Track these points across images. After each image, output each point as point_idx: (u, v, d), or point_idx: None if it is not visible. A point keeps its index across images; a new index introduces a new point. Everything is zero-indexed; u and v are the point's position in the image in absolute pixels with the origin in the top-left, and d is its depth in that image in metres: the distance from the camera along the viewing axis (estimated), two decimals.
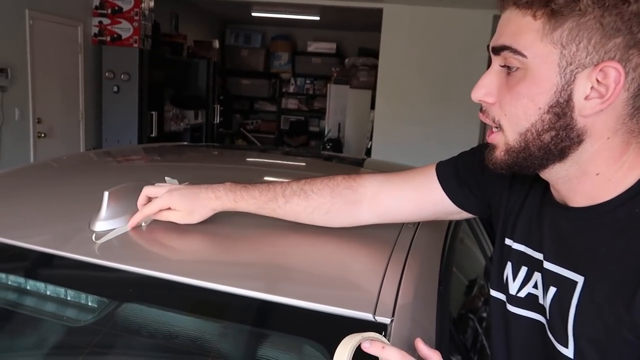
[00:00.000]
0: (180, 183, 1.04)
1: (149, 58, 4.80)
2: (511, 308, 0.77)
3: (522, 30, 0.62)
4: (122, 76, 4.68)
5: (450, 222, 1.19)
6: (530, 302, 0.74)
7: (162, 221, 0.97)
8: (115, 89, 4.70)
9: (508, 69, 0.64)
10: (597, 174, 0.65)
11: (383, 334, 0.68)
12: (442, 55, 5.26)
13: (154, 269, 0.86)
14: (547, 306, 0.70)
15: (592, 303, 0.63)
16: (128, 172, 1.60)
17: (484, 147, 0.84)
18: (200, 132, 6.02)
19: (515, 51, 0.62)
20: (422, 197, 0.90)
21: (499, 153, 0.68)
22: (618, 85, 0.59)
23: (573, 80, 0.61)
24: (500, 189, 0.82)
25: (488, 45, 0.68)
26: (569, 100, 0.62)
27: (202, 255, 0.97)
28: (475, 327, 1.30)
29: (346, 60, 6.98)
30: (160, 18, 5.49)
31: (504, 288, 0.80)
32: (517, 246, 0.78)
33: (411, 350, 0.74)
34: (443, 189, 0.88)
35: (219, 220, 1.00)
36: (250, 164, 1.92)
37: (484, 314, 1.41)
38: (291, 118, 8.42)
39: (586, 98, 0.61)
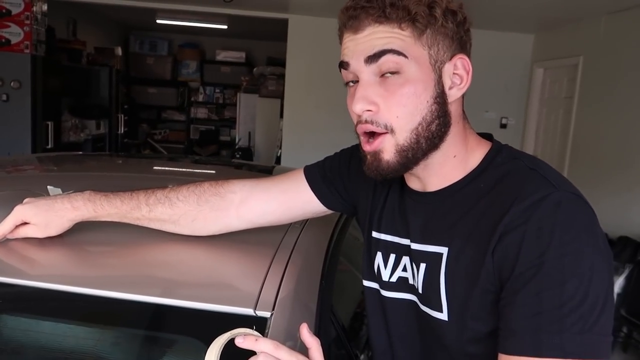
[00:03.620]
0: (65, 192, 1.02)
1: (43, 65, 4.53)
2: (385, 293, 0.85)
3: (396, 38, 0.71)
4: (12, 84, 4.38)
5: (336, 223, 1.26)
6: (402, 284, 0.83)
7: None
8: (5, 97, 4.38)
9: (383, 76, 0.72)
10: (455, 156, 0.77)
11: (254, 327, 0.72)
12: None
13: (31, 279, 0.84)
14: (420, 281, 0.78)
15: (457, 267, 0.73)
16: (12, 182, 1.53)
17: (347, 153, 0.93)
18: (103, 143, 5.76)
19: (398, 52, 0.71)
20: (291, 200, 0.96)
21: (389, 156, 0.74)
22: (469, 71, 0.75)
23: (441, 75, 0.73)
24: (366, 190, 0.91)
25: (342, 62, 0.77)
26: (442, 90, 0.74)
27: (77, 262, 0.96)
28: (362, 314, 1.38)
29: (255, 69, 7.01)
30: (56, 23, 5.20)
31: (375, 277, 0.88)
32: (384, 237, 0.86)
33: (291, 341, 0.80)
34: (312, 190, 0.95)
35: (95, 227, 1.00)
36: (148, 172, 1.89)
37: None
38: (201, 127, 8.28)
39: (450, 88, 0.74)
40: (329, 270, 1.04)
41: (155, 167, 2.04)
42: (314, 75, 5.46)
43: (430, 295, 0.76)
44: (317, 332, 0.87)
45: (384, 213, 0.87)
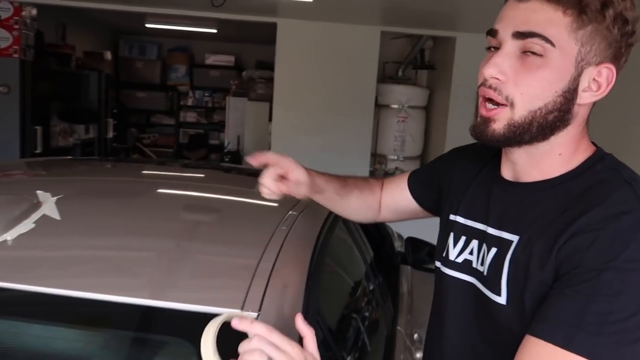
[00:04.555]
0: (52, 197, 1.04)
1: (32, 69, 4.52)
2: (448, 272, 0.90)
3: (553, 22, 0.71)
4: (0, 88, 4.36)
5: (323, 224, 1.29)
6: (465, 266, 0.87)
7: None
8: None
9: (525, 53, 0.72)
10: (560, 154, 0.78)
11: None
12: (334, 68, 5.49)
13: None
14: (486, 264, 0.81)
15: (522, 256, 0.75)
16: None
17: (455, 151, 1.03)
18: (92, 148, 5.74)
19: (546, 39, 0.71)
20: (397, 204, 1.11)
21: (499, 126, 0.76)
22: (610, 83, 0.74)
23: (581, 74, 0.73)
24: (447, 174, 0.99)
25: (492, 30, 0.76)
26: (575, 88, 0.74)
27: (61, 264, 0.98)
28: (349, 316, 1.41)
29: (243, 73, 7.03)
30: (45, 28, 5.19)
31: (442, 257, 0.92)
32: (460, 219, 0.91)
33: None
34: (411, 193, 1.08)
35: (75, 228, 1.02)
36: (137, 176, 1.91)
37: (361, 307, 1.53)
38: (190, 131, 8.26)
39: (584, 90, 0.74)
40: (315, 271, 1.07)
41: (144, 172, 2.06)
42: (303, 78, 5.49)
43: (492, 279, 0.79)
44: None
45: (465, 198, 0.91)
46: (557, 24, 0.71)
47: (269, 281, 0.93)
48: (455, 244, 0.89)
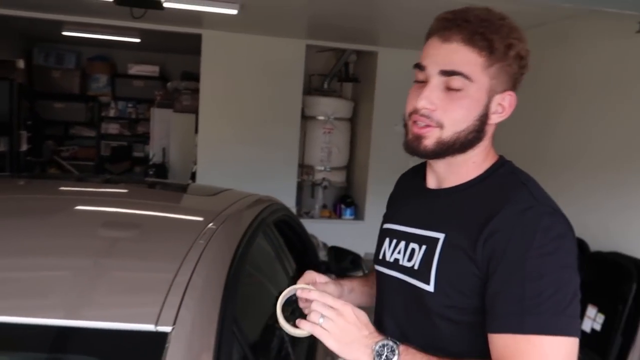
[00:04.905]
0: None
1: None
2: (385, 271, 1.05)
3: (470, 62, 0.88)
4: None
5: (243, 236, 1.32)
6: (395, 264, 1.02)
7: None
8: None
9: (448, 87, 0.89)
10: (473, 162, 0.96)
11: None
12: (261, 80, 5.53)
13: None
14: (417, 260, 0.96)
15: (449, 250, 0.91)
16: None
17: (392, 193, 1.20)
18: (3, 162, 5.40)
19: (466, 76, 0.88)
20: None
21: (429, 142, 0.92)
22: (512, 106, 0.93)
23: (491, 101, 0.91)
24: (392, 200, 1.17)
25: (420, 65, 0.92)
26: (487, 113, 0.92)
27: None
28: (272, 326, 1.45)
29: (169, 83, 6.90)
30: None
31: (380, 261, 1.08)
32: (393, 226, 1.07)
33: (194, 355, 0.86)
34: None
35: None
36: (53, 193, 1.84)
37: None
38: (112, 144, 7.96)
39: (493, 113, 0.93)
40: (232, 283, 1.10)
41: (60, 187, 1.98)
42: (229, 90, 5.49)
43: (422, 271, 0.94)
44: (218, 345, 0.93)
45: (398, 208, 1.10)
46: (473, 63, 0.88)
47: (185, 294, 0.95)
48: (389, 247, 1.05)
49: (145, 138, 7.69)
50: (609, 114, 3.37)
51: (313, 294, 0.90)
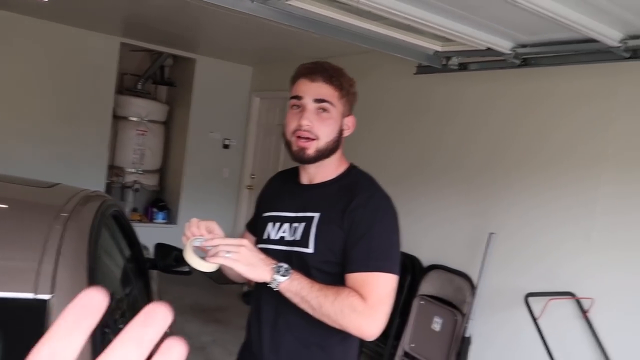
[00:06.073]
0: None
1: None
2: (270, 246, 1.33)
3: (331, 94, 1.29)
4: None
5: (93, 218, 1.37)
6: (280, 240, 1.34)
7: None
8: None
9: (319, 111, 1.29)
10: (334, 164, 1.36)
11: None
12: (68, 74, 5.15)
13: None
14: (299, 233, 1.30)
15: (324, 223, 1.28)
16: None
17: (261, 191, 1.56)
18: None
19: (331, 104, 1.29)
20: None
21: (311, 152, 1.29)
22: (354, 125, 1.37)
23: (343, 120, 1.33)
24: (260, 200, 1.52)
25: (298, 96, 1.29)
26: (341, 129, 1.34)
27: None
28: (117, 288, 1.51)
29: None
30: None
31: (264, 240, 1.37)
32: (274, 214, 1.39)
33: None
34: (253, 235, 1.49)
35: None
36: None
37: (128, 301, 1.63)
38: None
39: (344, 129, 1.35)
40: (93, 256, 1.17)
41: None
42: (30, 82, 5.00)
43: (304, 240, 1.29)
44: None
45: (276, 200, 1.43)
46: (332, 95, 1.30)
47: (57, 264, 1.01)
48: (273, 228, 1.37)
49: None
50: (406, 137, 4.06)
51: (216, 240, 1.17)
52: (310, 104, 1.29)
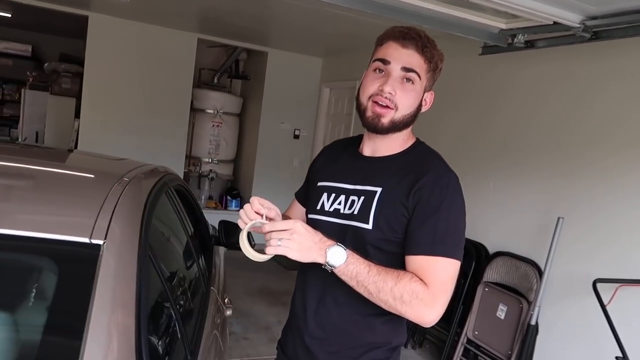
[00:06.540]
0: None
1: None
2: (323, 218, 1.29)
3: (421, 65, 1.21)
4: None
5: (153, 186, 1.49)
6: (334, 213, 1.27)
7: None
8: None
9: (404, 80, 1.20)
10: (402, 139, 1.27)
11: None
12: (151, 69, 5.50)
13: None
14: (357, 207, 1.22)
15: (386, 199, 1.19)
16: None
17: (317, 156, 1.49)
18: None
19: (419, 75, 1.21)
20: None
21: (386, 121, 1.21)
22: (432, 101, 1.28)
23: (423, 95, 1.25)
24: (313, 169, 1.44)
25: (385, 60, 1.20)
26: (420, 103, 1.25)
27: None
28: (178, 272, 1.63)
29: (45, 64, 6.53)
30: None
31: (317, 211, 1.31)
32: (330, 184, 1.32)
33: (121, 271, 1.03)
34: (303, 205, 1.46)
35: None
36: None
37: (187, 266, 1.75)
38: None
39: (422, 105, 1.26)
40: (148, 218, 1.28)
41: None
42: (117, 77, 5.38)
43: (362, 214, 1.21)
44: (142, 259, 1.11)
45: (333, 170, 1.35)
46: (421, 66, 1.21)
47: (113, 216, 1.12)
48: (327, 200, 1.29)
49: (12, 121, 7.17)
50: (473, 123, 3.97)
51: (266, 228, 1.08)
52: (396, 71, 1.20)
